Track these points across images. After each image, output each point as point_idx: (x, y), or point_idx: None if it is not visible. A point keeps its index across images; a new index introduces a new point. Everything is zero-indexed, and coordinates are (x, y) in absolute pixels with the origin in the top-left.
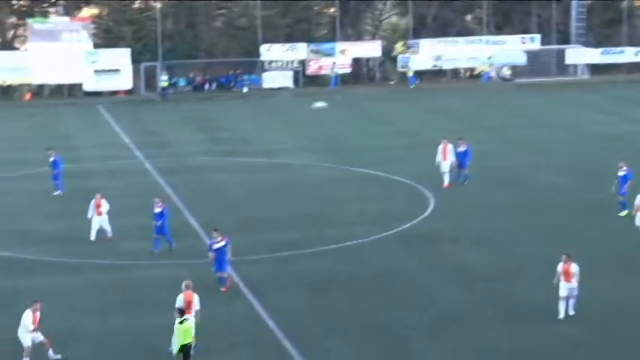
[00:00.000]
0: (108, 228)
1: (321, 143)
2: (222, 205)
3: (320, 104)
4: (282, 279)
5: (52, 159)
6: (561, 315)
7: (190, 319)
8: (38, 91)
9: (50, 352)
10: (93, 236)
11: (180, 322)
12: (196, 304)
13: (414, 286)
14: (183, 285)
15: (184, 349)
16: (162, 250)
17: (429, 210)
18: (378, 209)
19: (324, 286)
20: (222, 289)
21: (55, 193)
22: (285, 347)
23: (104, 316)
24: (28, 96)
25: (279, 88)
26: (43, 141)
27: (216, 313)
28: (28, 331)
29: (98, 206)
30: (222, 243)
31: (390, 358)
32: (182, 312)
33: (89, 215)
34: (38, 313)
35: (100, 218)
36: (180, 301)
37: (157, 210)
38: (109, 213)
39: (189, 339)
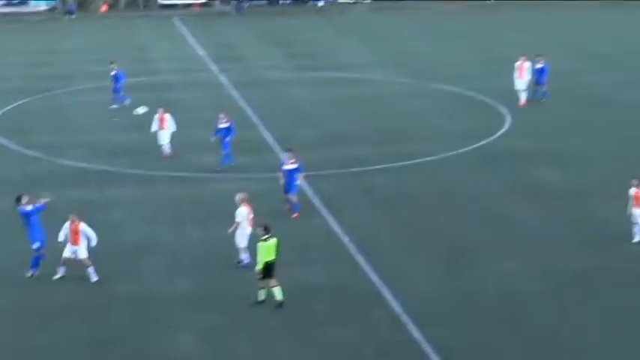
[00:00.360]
0: (166, 147)
1: (397, 58)
2: (296, 120)
3: (141, 110)
4: (356, 194)
5: (113, 72)
6: (636, 239)
7: (271, 239)
8: (114, 3)
9: (90, 270)
10: (166, 149)
11: (265, 240)
12: (250, 214)
13: (488, 204)
14: (238, 198)
15: (267, 266)
16: (235, 164)
17: (505, 127)
18: (453, 126)
19: (397, 202)
20: (293, 215)
21: (112, 107)
22: (358, 262)
23: (178, 228)
24: (104, 8)
25: (355, 2)
26: (118, 53)
27: (291, 229)
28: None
29: (162, 120)
30: (294, 165)
31: (461, 273)
32: (267, 229)
33: (153, 129)
34: (79, 226)
35: (163, 132)
36: (241, 214)
37: (223, 125)
38: (178, 126)
39: (273, 256)
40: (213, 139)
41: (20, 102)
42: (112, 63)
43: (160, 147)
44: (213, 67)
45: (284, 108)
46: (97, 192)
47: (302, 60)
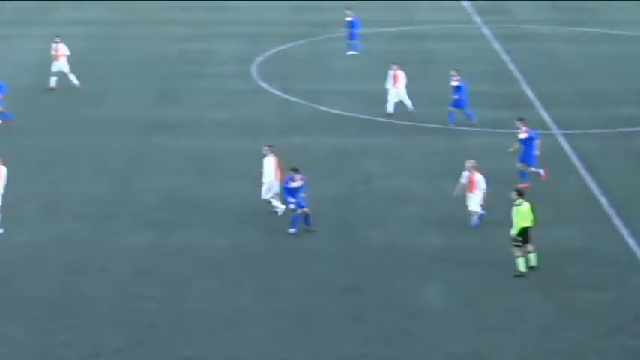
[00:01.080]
0: (408, 102)
1: None
2: (558, 75)
3: None
4: (619, 156)
5: (349, 19)
6: None
7: (524, 203)
8: None
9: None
10: (390, 108)
11: (518, 205)
12: (480, 184)
13: None
14: (468, 165)
15: (524, 231)
16: (475, 121)
17: None
18: None
19: None
20: (523, 184)
21: (348, 53)
22: (616, 225)
23: (431, 180)
24: None
25: None
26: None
27: (547, 187)
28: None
29: (395, 77)
30: (525, 135)
31: None
32: (520, 193)
33: (387, 85)
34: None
35: (396, 90)
36: (464, 177)
37: (454, 83)
38: (436, 78)
39: (529, 222)
40: (455, 96)
41: (282, 47)
42: (347, 9)
43: (387, 103)
44: (477, 19)
45: (546, 63)
46: (352, 140)
47: (567, 14)
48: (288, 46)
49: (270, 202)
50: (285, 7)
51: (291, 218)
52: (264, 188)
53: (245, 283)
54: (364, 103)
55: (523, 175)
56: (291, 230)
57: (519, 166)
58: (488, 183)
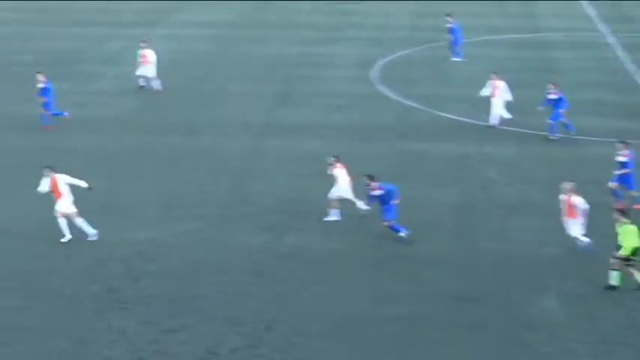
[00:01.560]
0: (494, 115)
1: None
2: None
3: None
4: None
5: (449, 25)
6: None
7: (629, 225)
8: None
9: (79, 222)
10: (493, 120)
11: (625, 224)
12: (579, 205)
13: None
14: (565, 188)
15: (635, 251)
16: (574, 132)
17: None
18: None
19: None
20: (636, 205)
21: (453, 59)
22: None
23: (550, 189)
24: None
25: None
26: (499, 7)
27: None
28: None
29: (495, 87)
30: (624, 158)
31: None
32: (624, 212)
33: (483, 93)
34: (56, 178)
35: (495, 100)
36: (580, 203)
37: (552, 97)
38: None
39: (636, 243)
40: (540, 109)
41: (403, 52)
42: (447, 15)
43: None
44: (602, 28)
45: None
46: (472, 146)
47: None
48: (409, 51)
49: (331, 202)
50: (407, 12)
51: (392, 226)
52: (336, 190)
53: (359, 287)
54: (484, 110)
55: (617, 194)
56: (401, 235)
57: (613, 185)
58: (606, 194)
